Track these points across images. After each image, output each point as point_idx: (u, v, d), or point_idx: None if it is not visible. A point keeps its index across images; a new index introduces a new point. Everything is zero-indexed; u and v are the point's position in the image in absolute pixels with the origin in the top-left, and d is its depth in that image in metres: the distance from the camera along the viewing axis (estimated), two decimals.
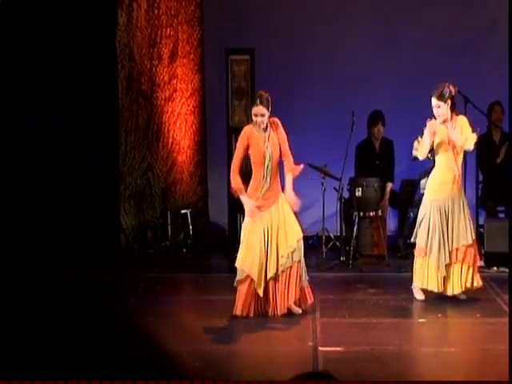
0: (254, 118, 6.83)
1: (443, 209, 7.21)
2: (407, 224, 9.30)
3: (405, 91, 9.91)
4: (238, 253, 6.78)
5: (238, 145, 6.88)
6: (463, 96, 9.43)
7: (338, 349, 5.87)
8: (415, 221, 9.10)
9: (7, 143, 8.38)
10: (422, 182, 9.05)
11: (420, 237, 7.24)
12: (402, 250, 9.12)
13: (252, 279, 6.60)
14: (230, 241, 9.45)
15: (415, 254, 7.32)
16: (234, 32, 9.85)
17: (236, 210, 9.50)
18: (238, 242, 9.27)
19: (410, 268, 8.30)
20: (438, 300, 7.19)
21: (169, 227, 9.51)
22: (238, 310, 6.63)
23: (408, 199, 9.26)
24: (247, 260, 6.67)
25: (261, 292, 6.57)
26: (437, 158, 7.42)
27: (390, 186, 9.34)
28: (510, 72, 8.00)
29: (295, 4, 10.12)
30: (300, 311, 6.73)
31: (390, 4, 10.09)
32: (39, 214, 8.48)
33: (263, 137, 6.84)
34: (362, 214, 8.91)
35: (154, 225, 9.63)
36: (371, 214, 8.94)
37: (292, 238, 6.72)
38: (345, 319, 6.67)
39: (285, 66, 10.02)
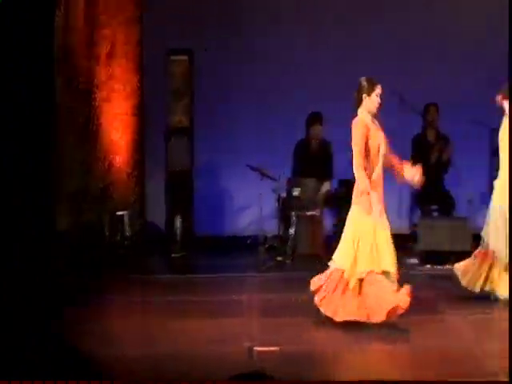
0: (376, 100, 6.40)
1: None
2: (344, 223, 9.39)
3: (344, 91, 9.98)
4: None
5: (359, 138, 6.35)
6: (399, 96, 9.59)
7: (275, 348, 5.91)
8: None
9: None
10: None
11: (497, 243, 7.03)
12: None
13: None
14: (168, 242, 9.46)
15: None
16: (173, 32, 9.85)
17: (173, 211, 9.52)
18: (176, 243, 9.39)
19: None
20: None
21: (106, 228, 9.47)
22: None
23: (345, 199, 9.35)
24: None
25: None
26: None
27: (327, 184, 9.42)
28: (509, 72, 8.03)
29: (235, 4, 10.15)
30: None
31: (328, 5, 10.18)
32: None
33: (376, 125, 6.48)
34: (299, 213, 8.99)
35: (91, 226, 9.57)
36: (308, 213, 9.02)
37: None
38: (282, 319, 6.70)
39: (224, 66, 10.05)
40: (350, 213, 6.50)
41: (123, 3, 9.83)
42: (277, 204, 9.16)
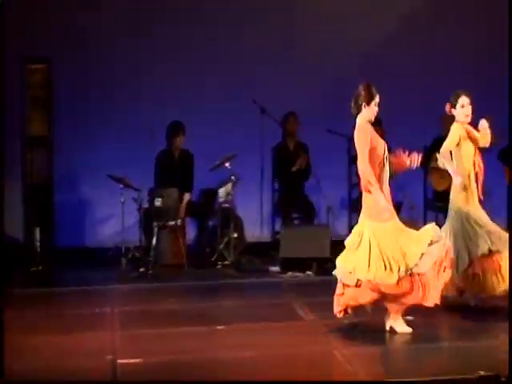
0: (374, 109, 6.29)
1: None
2: (206, 233, 9.45)
3: (204, 102, 10.06)
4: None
5: (362, 144, 6.26)
6: (259, 106, 9.73)
7: (139, 360, 5.86)
8: (214, 229, 9.29)
9: None
10: (221, 190, 9.23)
11: None
12: (201, 258, 9.26)
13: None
14: (27, 254, 9.22)
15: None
16: (31, 40, 9.63)
17: (32, 223, 9.30)
18: (35, 255, 9.15)
19: (210, 276, 8.53)
20: (233, 307, 7.41)
21: None
22: None
23: (207, 208, 9.40)
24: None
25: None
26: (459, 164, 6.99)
27: (187, 196, 9.42)
28: (510, 78, 8.01)
29: (93, 12, 10.00)
30: None
31: (208, 16, 10.18)
32: None
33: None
34: (161, 223, 8.95)
35: None
36: (171, 223, 9.00)
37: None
38: (146, 330, 6.64)
39: (84, 75, 9.90)
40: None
41: None
42: (139, 215, 9.10)
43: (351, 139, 9.68)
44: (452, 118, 7.08)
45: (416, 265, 6.19)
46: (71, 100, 9.82)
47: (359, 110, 6.35)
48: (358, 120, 6.37)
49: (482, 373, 5.18)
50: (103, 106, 9.88)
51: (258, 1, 10.26)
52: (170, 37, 10.00)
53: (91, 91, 9.90)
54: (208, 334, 6.55)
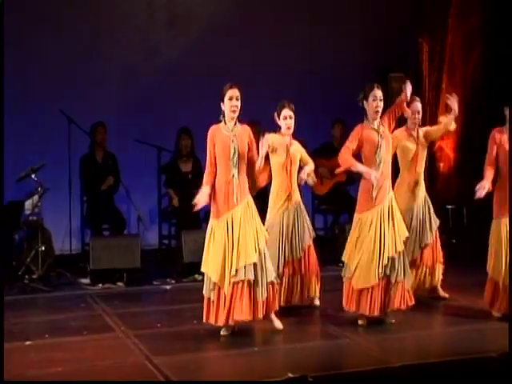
0: (227, 104, 6.48)
1: None
2: (13, 247, 9.18)
3: (8, 111, 9.73)
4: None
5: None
6: (67, 116, 9.58)
7: None
8: (21, 243, 9.04)
9: None
10: (27, 203, 9.00)
11: None
12: (8, 273, 8.99)
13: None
14: None
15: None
16: None
17: None
18: None
19: (17, 291, 8.29)
20: (43, 322, 7.28)
21: None
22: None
23: (13, 221, 9.13)
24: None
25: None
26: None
27: None
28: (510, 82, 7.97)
29: None
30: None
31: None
32: None
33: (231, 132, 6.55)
34: None
35: None
36: None
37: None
38: None
39: None
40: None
41: None
42: None
43: (160, 149, 9.87)
44: None
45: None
46: None
47: None
48: None
49: (290, 375, 5.36)
50: None
51: (65, 14, 10.13)
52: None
53: None
54: (16, 350, 6.36)
